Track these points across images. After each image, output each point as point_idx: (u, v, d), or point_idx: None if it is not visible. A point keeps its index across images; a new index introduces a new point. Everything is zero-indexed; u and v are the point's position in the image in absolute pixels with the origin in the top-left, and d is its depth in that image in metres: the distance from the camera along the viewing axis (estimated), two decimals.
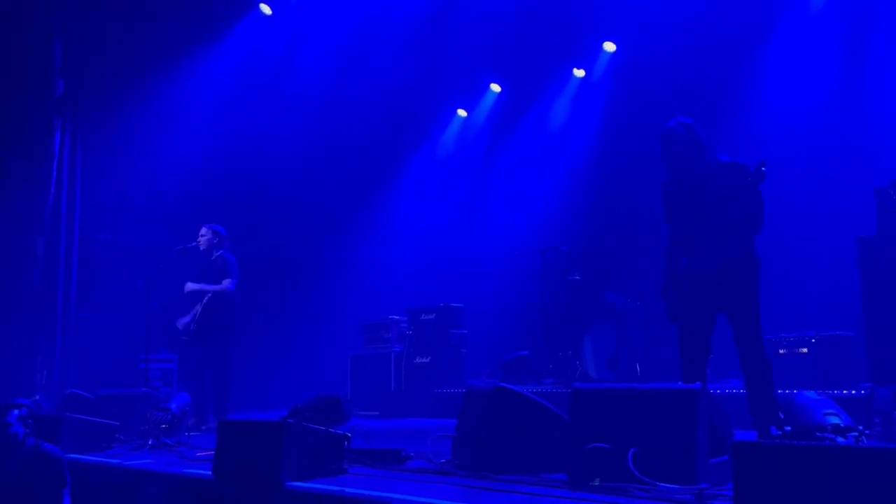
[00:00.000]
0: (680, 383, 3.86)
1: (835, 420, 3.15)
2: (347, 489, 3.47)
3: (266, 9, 10.05)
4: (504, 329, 9.99)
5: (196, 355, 7.29)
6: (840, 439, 2.98)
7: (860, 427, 3.09)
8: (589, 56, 10.44)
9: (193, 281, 7.29)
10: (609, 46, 10.17)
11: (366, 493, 3.39)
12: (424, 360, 9.01)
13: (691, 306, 4.43)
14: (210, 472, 4.00)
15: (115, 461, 4.86)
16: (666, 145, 4.56)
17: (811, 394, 3.51)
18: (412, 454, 4.33)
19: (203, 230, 7.30)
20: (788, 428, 3.26)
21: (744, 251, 4.29)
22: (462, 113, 11.95)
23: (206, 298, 7.09)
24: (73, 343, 8.30)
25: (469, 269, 10.86)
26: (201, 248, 7.29)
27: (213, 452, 4.09)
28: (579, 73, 10.70)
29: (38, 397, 7.26)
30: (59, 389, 7.66)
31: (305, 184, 10.63)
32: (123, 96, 8.87)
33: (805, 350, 6.38)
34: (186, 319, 7.17)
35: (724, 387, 6.85)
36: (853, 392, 5.70)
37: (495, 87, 11.45)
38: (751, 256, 4.33)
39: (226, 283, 7.10)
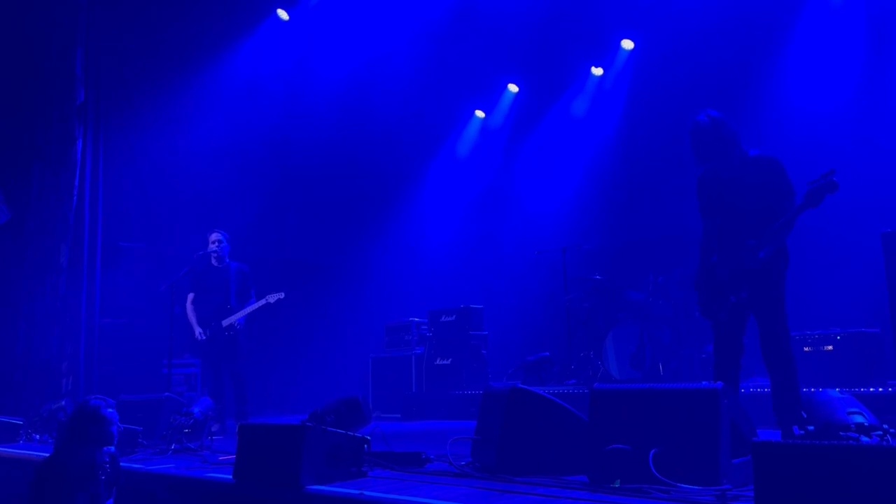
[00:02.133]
0: (702, 383, 3.81)
1: (859, 419, 3.09)
2: (367, 492, 3.46)
3: (283, 14, 10.10)
4: (525, 330, 9.96)
5: (217, 360, 7.39)
6: (864, 438, 2.93)
7: (885, 426, 3.03)
8: (607, 54, 10.39)
9: (204, 286, 7.45)
10: (627, 44, 10.10)
11: (385, 496, 3.38)
12: (445, 361, 9.00)
13: (725, 303, 4.38)
14: (231, 476, 4.02)
15: (137, 466, 4.89)
16: (694, 139, 4.51)
17: (834, 392, 3.46)
18: (432, 457, 4.31)
19: (215, 236, 7.43)
20: (812, 427, 3.21)
21: (778, 249, 4.24)
22: (480, 114, 11.93)
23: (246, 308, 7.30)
24: (97, 349, 8.39)
25: (489, 270, 10.85)
26: (215, 255, 7.42)
27: (234, 457, 4.11)
28: (597, 71, 10.64)
29: (63, 403, 7.37)
30: (84, 395, 7.74)
31: (326, 186, 10.68)
32: (144, 103, 8.96)
33: (830, 347, 6.29)
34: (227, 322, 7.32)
35: (750, 385, 6.77)
36: (880, 389, 5.60)
37: (513, 88, 11.42)
38: (782, 253, 4.28)
39: (256, 301, 7.32)
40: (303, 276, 10.44)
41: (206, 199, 9.30)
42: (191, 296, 7.52)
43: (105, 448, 4.37)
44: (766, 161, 4.32)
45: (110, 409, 4.49)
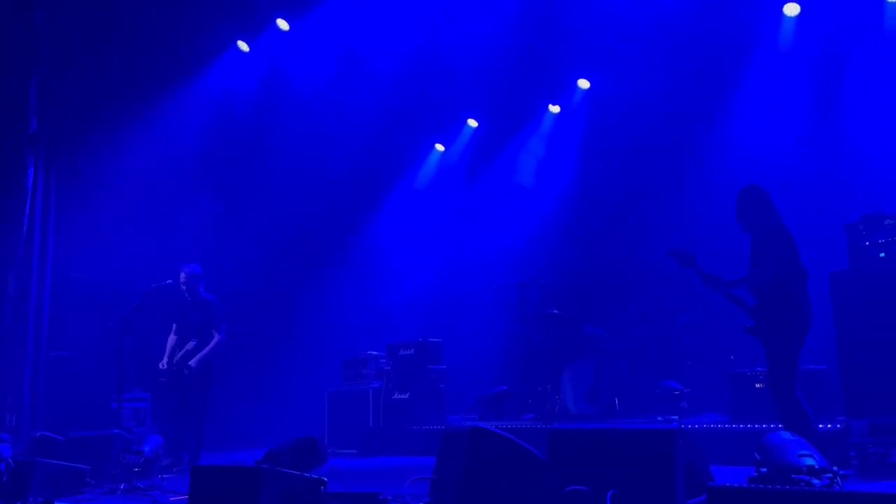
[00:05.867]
0: (656, 422, 3.86)
1: (810, 461, 3.17)
2: None
3: (243, 45, 10.08)
4: (483, 364, 9.95)
5: (174, 396, 7.27)
6: (815, 481, 3.00)
7: (834, 468, 3.12)
8: (564, 93, 10.58)
9: (173, 321, 7.40)
10: (583, 83, 10.32)
11: None
12: (403, 396, 8.93)
13: None
14: None
15: None
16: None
17: (786, 434, 3.54)
18: (389, 497, 4.27)
19: (183, 274, 7.36)
20: (765, 469, 3.27)
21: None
22: (440, 147, 12.01)
23: (194, 344, 7.19)
24: (44, 383, 8.15)
25: (448, 304, 10.84)
26: (185, 290, 7.36)
27: (186, 497, 4.02)
28: (554, 109, 10.83)
29: (6, 438, 7.12)
30: (28, 431, 7.50)
31: (283, 219, 10.59)
32: (98, 132, 8.84)
33: None
34: (175, 359, 7.22)
35: (702, 422, 6.87)
36: (829, 426, 5.73)
37: (472, 123, 11.54)
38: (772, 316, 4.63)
39: (217, 337, 7.26)
40: (261, 310, 10.31)
41: (161, 230, 9.15)
42: (174, 326, 7.46)
43: None
44: (768, 228, 4.67)
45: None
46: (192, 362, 7.16)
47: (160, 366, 7.30)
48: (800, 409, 4.42)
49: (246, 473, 3.69)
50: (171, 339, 7.43)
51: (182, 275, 7.35)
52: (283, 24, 9.90)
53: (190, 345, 7.20)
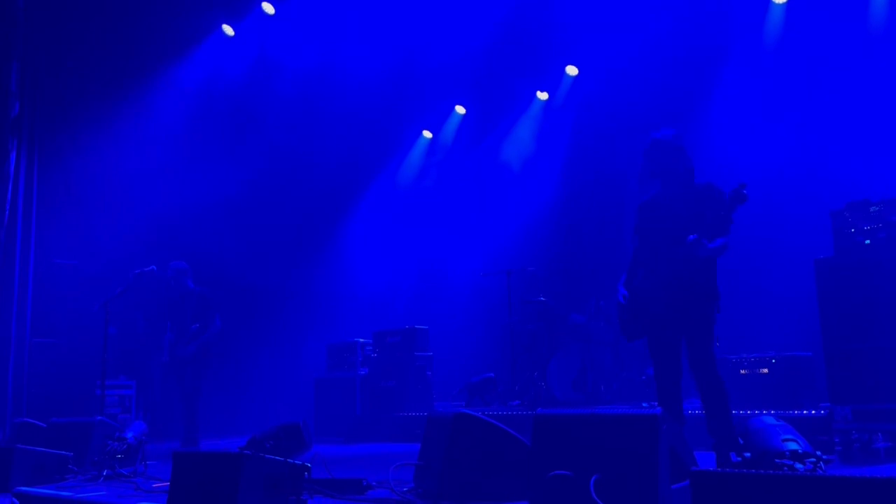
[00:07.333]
0: (643, 406, 3.85)
1: (793, 446, 3.17)
2: None
3: (229, 30, 9.98)
4: (470, 351, 9.96)
5: (174, 384, 7.42)
6: (798, 465, 3.00)
7: (818, 452, 3.12)
8: (552, 79, 10.54)
9: (160, 310, 7.60)
10: (571, 70, 10.28)
11: None
12: (389, 383, 8.92)
13: (649, 324, 4.41)
14: None
15: (66, 493, 4.71)
16: (653, 154, 4.54)
17: (769, 419, 3.53)
18: (373, 483, 4.26)
19: (172, 272, 7.45)
20: (748, 454, 3.27)
21: (702, 279, 4.27)
22: (427, 134, 11.96)
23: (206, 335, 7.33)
24: (27, 370, 8.08)
25: (435, 291, 10.82)
26: (174, 286, 7.46)
27: (168, 483, 3.98)
28: (542, 95, 10.79)
29: None
30: (11, 418, 7.44)
31: (269, 206, 10.53)
32: (82, 118, 8.74)
33: (766, 370, 6.44)
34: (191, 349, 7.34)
35: (687, 407, 6.87)
36: (813, 412, 5.76)
37: (460, 109, 11.49)
38: (709, 286, 4.32)
39: (214, 325, 7.38)
40: (247, 297, 10.25)
41: (144, 216, 9.07)
42: (168, 324, 7.57)
43: None
44: (710, 188, 4.41)
45: None
46: (189, 347, 7.27)
47: (162, 361, 7.43)
48: (723, 384, 4.27)
49: (227, 459, 3.65)
50: (168, 337, 7.53)
51: (170, 272, 7.45)
52: (268, 8, 9.81)
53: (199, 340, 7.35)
